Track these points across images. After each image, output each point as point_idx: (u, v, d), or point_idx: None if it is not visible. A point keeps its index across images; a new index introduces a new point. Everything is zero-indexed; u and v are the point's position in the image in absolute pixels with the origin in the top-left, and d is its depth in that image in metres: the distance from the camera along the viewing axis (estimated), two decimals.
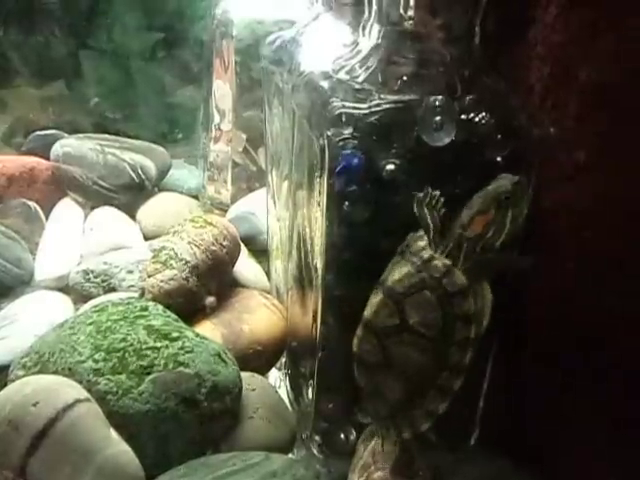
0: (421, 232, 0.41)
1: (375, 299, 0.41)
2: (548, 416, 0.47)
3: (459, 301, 0.39)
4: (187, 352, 0.46)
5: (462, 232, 0.39)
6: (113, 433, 0.41)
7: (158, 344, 0.46)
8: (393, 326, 0.40)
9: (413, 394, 0.41)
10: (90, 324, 0.48)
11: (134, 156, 0.82)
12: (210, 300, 0.54)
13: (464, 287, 0.39)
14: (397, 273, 0.40)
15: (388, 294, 0.40)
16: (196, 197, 0.85)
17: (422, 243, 0.40)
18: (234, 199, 0.79)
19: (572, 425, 0.45)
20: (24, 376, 0.45)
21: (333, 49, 0.47)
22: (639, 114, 0.36)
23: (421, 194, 0.40)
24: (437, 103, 0.41)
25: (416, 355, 0.40)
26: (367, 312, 0.41)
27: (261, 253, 0.69)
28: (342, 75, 0.43)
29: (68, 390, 0.41)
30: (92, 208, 0.78)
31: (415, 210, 0.40)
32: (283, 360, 0.60)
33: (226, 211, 0.78)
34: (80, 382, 0.44)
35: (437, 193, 0.39)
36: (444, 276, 0.39)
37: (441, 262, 0.39)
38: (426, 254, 0.40)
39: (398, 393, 0.41)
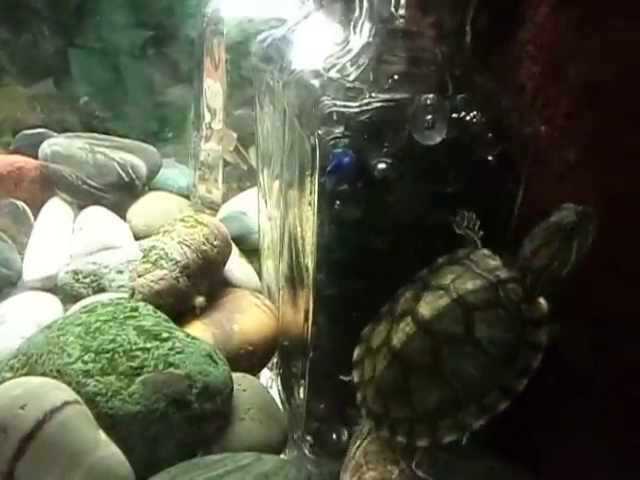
0: (487, 251, 0.41)
1: (439, 301, 0.40)
2: (540, 415, 0.47)
3: (534, 330, 0.39)
4: (177, 353, 0.46)
5: (526, 263, 0.39)
6: (103, 435, 0.41)
7: (148, 345, 0.46)
8: (455, 334, 0.39)
9: (448, 405, 0.40)
10: (79, 325, 0.47)
11: (124, 155, 0.81)
12: (199, 300, 0.54)
13: (543, 317, 0.39)
14: (470, 284, 0.40)
15: (459, 302, 0.39)
16: (187, 196, 0.85)
17: (494, 262, 0.40)
18: (225, 198, 0.79)
19: (564, 424, 0.45)
20: (12, 378, 0.44)
21: (324, 47, 0.47)
22: (629, 113, 0.36)
23: (457, 217, 0.41)
24: (428, 102, 0.41)
25: (470, 368, 0.39)
26: (425, 312, 0.40)
27: (252, 252, 0.69)
28: (333, 73, 0.43)
29: (56, 392, 0.41)
30: (81, 208, 0.77)
31: (458, 231, 0.41)
32: (275, 360, 0.60)
33: (217, 210, 0.78)
34: (69, 384, 0.43)
35: (472, 214, 0.40)
36: (523, 301, 0.39)
37: (520, 287, 0.39)
38: (503, 274, 0.40)
39: (429, 400, 0.40)
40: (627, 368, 0.39)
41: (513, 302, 0.39)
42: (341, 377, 0.46)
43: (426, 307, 0.40)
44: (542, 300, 0.39)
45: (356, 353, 0.45)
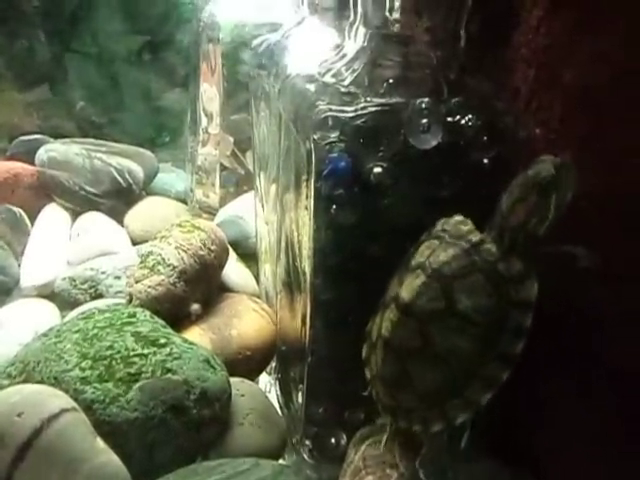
0: (459, 217, 0.40)
1: (415, 281, 0.38)
2: (539, 417, 0.47)
3: (517, 287, 0.37)
4: (175, 358, 0.46)
5: (503, 221, 0.37)
6: (100, 442, 0.40)
7: (146, 351, 0.46)
8: (438, 310, 0.38)
9: (451, 384, 0.39)
10: (76, 332, 0.47)
11: (121, 160, 0.81)
12: (195, 307, 0.54)
13: (522, 272, 0.37)
14: (443, 255, 0.38)
15: (434, 276, 0.38)
16: (184, 201, 0.85)
17: (466, 227, 0.39)
18: (222, 202, 0.79)
19: (563, 426, 0.45)
20: (9, 385, 0.44)
21: (319, 52, 0.47)
22: (622, 116, 0.37)
23: None
24: (423, 106, 0.41)
25: (462, 342, 0.38)
26: (405, 295, 0.39)
27: (250, 257, 0.69)
28: (328, 78, 0.43)
29: (54, 399, 0.41)
30: (78, 213, 0.77)
31: None
32: (273, 365, 0.60)
33: (214, 215, 0.78)
34: (66, 391, 0.43)
35: None
36: (499, 260, 0.37)
37: (494, 246, 0.37)
38: (475, 237, 0.38)
39: (432, 383, 0.39)
40: (625, 370, 0.39)
41: (489, 263, 0.37)
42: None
43: (405, 290, 0.39)
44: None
45: (364, 351, 0.44)
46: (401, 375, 0.40)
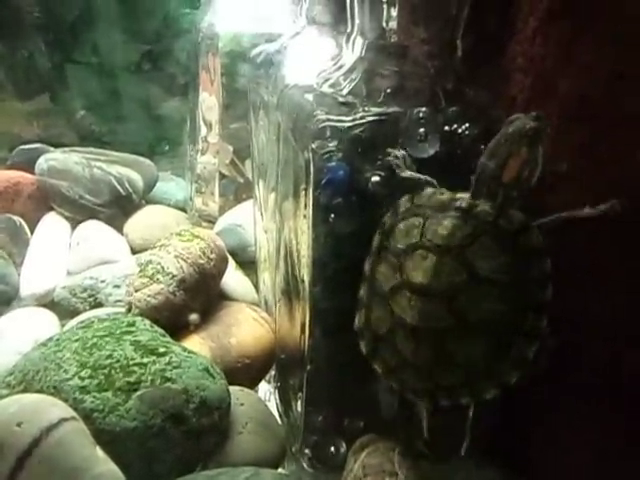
0: (428, 190, 0.39)
1: (425, 262, 0.38)
2: (538, 427, 0.47)
3: (524, 236, 0.37)
4: (174, 367, 0.46)
5: (495, 180, 0.37)
6: (100, 452, 0.40)
7: (145, 360, 0.46)
8: (461, 283, 0.37)
9: (495, 349, 0.38)
10: (76, 341, 0.47)
11: (121, 169, 0.81)
12: (193, 317, 0.54)
13: (524, 222, 0.37)
14: (441, 229, 0.38)
15: (442, 252, 0.37)
16: (184, 209, 0.85)
17: (444, 196, 0.39)
18: (222, 211, 0.79)
19: (562, 436, 0.45)
20: (8, 395, 0.44)
21: (317, 62, 0.48)
22: (618, 125, 0.37)
23: (393, 160, 0.40)
24: (421, 115, 0.41)
25: (493, 306, 0.37)
26: (421, 278, 0.38)
27: (249, 265, 0.69)
28: (326, 88, 0.44)
29: (53, 409, 0.41)
30: (78, 222, 0.78)
31: (403, 175, 0.39)
32: (273, 373, 0.60)
33: (214, 223, 0.78)
34: (66, 400, 0.43)
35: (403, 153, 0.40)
36: (498, 217, 0.37)
37: (487, 205, 0.37)
38: (462, 203, 0.38)
39: (475, 354, 0.39)
40: (624, 379, 0.40)
41: (490, 223, 0.37)
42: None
43: (418, 273, 0.38)
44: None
45: (366, 347, 0.43)
46: (439, 356, 0.39)
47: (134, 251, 0.74)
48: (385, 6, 0.43)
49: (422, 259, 0.38)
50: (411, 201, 0.40)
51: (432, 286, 0.38)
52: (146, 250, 0.67)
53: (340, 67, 0.45)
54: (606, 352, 0.40)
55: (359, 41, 0.44)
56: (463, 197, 0.39)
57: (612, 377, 0.40)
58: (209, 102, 0.78)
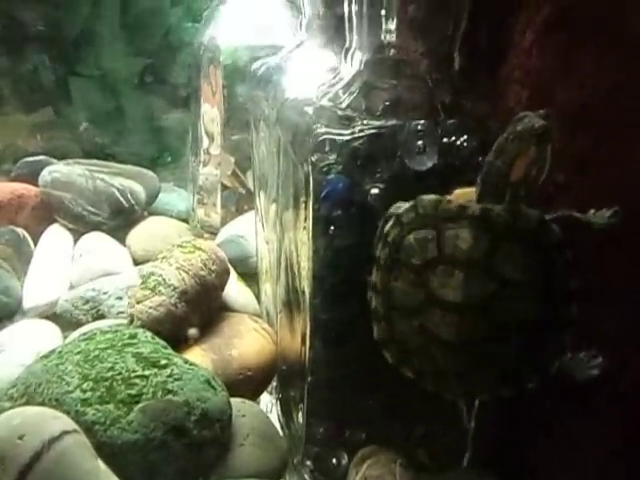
0: (427, 197, 0.39)
1: (454, 279, 0.37)
2: (539, 437, 0.47)
3: (544, 234, 0.37)
4: (176, 380, 0.46)
5: (502, 180, 0.37)
6: (101, 464, 0.41)
7: (147, 372, 0.46)
8: (493, 295, 0.37)
9: (532, 344, 0.38)
10: (78, 353, 0.48)
11: (123, 181, 0.82)
12: (192, 332, 0.54)
13: (541, 218, 0.37)
14: (462, 242, 0.37)
15: (470, 266, 0.37)
16: (186, 220, 0.85)
17: (449, 205, 0.38)
18: (224, 222, 0.80)
19: (563, 446, 0.45)
20: (11, 408, 0.44)
21: (317, 75, 0.48)
22: (616, 135, 0.37)
23: None
24: (419, 127, 0.42)
25: (526, 305, 0.37)
26: (451, 297, 0.38)
27: (251, 276, 0.69)
28: (325, 101, 0.44)
29: (55, 422, 0.41)
30: (81, 234, 0.78)
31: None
32: (274, 384, 0.60)
33: (216, 234, 0.79)
34: (68, 413, 0.43)
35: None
36: (515, 219, 0.37)
37: (500, 209, 0.37)
38: (473, 210, 0.37)
39: (514, 353, 0.39)
40: (627, 388, 0.39)
41: (509, 227, 0.37)
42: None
43: (447, 292, 0.38)
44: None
45: (391, 357, 0.43)
46: (478, 362, 0.39)
47: (136, 262, 0.75)
48: (383, 20, 0.43)
49: (448, 276, 0.38)
50: (415, 211, 0.40)
51: (465, 302, 0.38)
52: (149, 261, 0.67)
53: (339, 81, 0.45)
54: (613, 361, 0.40)
55: (358, 55, 0.44)
56: (472, 204, 0.38)
57: (618, 386, 0.40)
58: (211, 114, 0.78)
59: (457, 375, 0.40)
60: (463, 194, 0.39)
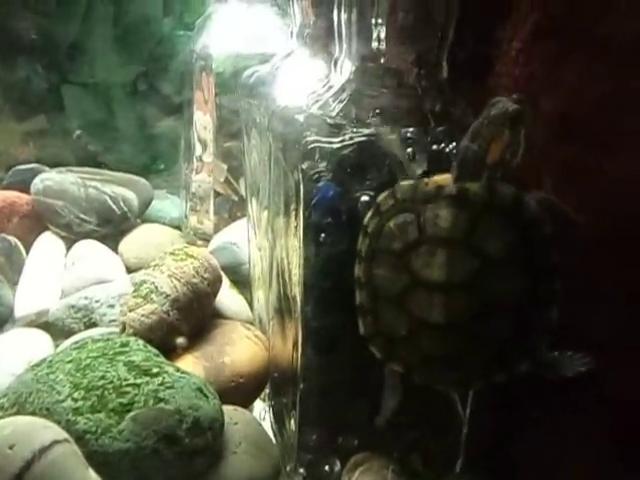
0: (405, 183, 0.39)
1: (437, 257, 0.37)
2: (534, 442, 0.47)
3: (520, 209, 0.37)
4: (167, 388, 0.46)
5: (479, 162, 0.37)
6: (92, 474, 0.40)
7: (138, 380, 0.46)
8: (476, 271, 0.37)
9: (520, 322, 0.38)
10: (69, 362, 0.48)
11: (116, 189, 0.82)
12: (180, 341, 0.54)
13: (517, 194, 0.37)
14: (441, 221, 0.37)
15: (452, 243, 0.37)
16: (179, 227, 0.85)
17: (428, 186, 0.38)
18: (217, 229, 0.80)
19: (559, 450, 0.45)
20: (1, 417, 0.44)
21: (307, 83, 0.49)
22: (603, 144, 0.38)
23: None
24: (409, 135, 0.42)
25: (510, 283, 0.38)
26: (435, 275, 0.38)
27: (244, 283, 0.69)
28: (315, 109, 0.44)
29: (45, 431, 0.40)
30: (73, 242, 0.78)
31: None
32: (268, 391, 0.60)
33: (209, 241, 0.79)
34: (59, 422, 0.43)
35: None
36: (492, 197, 0.37)
37: (477, 186, 0.37)
38: (450, 190, 0.38)
39: (504, 333, 0.39)
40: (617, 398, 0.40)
41: (485, 204, 0.37)
42: None
43: (432, 271, 0.38)
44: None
45: (378, 351, 0.42)
46: (469, 345, 0.39)
47: (129, 270, 0.75)
48: (373, 28, 0.44)
49: (430, 255, 0.38)
50: (393, 197, 0.40)
51: (450, 280, 0.38)
52: (141, 269, 0.67)
53: (329, 89, 0.45)
54: (601, 366, 0.40)
55: (347, 63, 0.45)
56: (449, 184, 0.39)
57: (608, 393, 0.40)
58: (203, 121, 0.78)
59: (447, 362, 0.40)
60: (442, 180, 0.39)
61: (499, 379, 0.40)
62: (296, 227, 0.43)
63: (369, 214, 0.41)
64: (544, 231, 0.38)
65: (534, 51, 0.41)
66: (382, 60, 0.44)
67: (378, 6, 0.43)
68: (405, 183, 0.40)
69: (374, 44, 0.44)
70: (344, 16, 0.44)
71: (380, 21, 0.43)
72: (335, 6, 0.45)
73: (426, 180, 0.39)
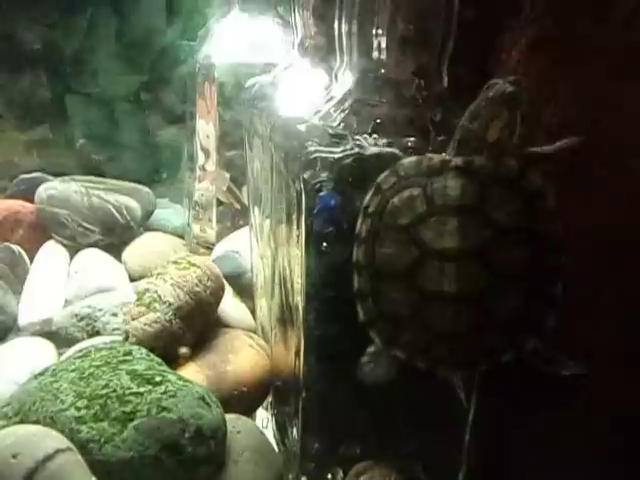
0: (409, 159, 0.39)
1: (447, 227, 0.37)
2: (535, 451, 0.47)
3: (526, 180, 0.38)
4: (170, 396, 0.46)
5: (479, 140, 0.38)
6: None
7: (141, 389, 0.46)
8: (488, 237, 0.37)
9: (527, 296, 0.39)
10: (72, 371, 0.48)
11: (119, 197, 0.83)
12: (183, 351, 0.54)
13: (520, 166, 0.38)
14: (450, 190, 0.38)
15: (461, 213, 0.37)
16: (182, 236, 0.86)
17: (433, 160, 0.39)
18: (219, 237, 0.80)
19: (559, 460, 0.45)
20: (5, 426, 0.44)
21: (309, 93, 0.49)
22: (601, 156, 0.38)
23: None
24: (409, 144, 0.42)
25: (518, 253, 0.38)
26: (448, 244, 0.37)
27: (246, 291, 0.69)
28: (317, 119, 0.45)
29: (48, 440, 0.41)
30: (77, 250, 0.78)
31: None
32: (270, 400, 0.60)
33: (212, 249, 0.79)
34: (62, 431, 0.43)
35: None
36: (497, 168, 0.38)
37: (482, 160, 0.38)
38: (456, 162, 0.38)
39: (512, 306, 0.39)
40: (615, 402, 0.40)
41: (492, 175, 0.38)
42: None
43: (444, 240, 0.38)
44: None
45: (380, 336, 0.42)
46: (480, 318, 0.39)
47: (132, 278, 0.75)
48: (374, 39, 0.44)
49: (441, 224, 0.38)
50: (395, 174, 0.40)
51: (462, 248, 0.38)
52: (144, 277, 0.67)
53: (331, 99, 0.46)
54: (601, 379, 0.40)
55: (348, 73, 0.45)
56: (454, 158, 0.39)
57: (607, 407, 0.40)
58: (206, 130, 0.79)
59: (455, 339, 0.40)
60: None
61: (506, 358, 0.40)
62: (298, 236, 0.44)
63: (369, 195, 0.41)
64: (549, 203, 0.38)
65: (532, 62, 0.41)
66: (382, 71, 0.44)
67: (378, 17, 0.43)
68: (407, 160, 0.40)
69: (374, 55, 0.44)
70: (345, 27, 0.45)
71: (380, 32, 0.44)
72: (336, 18, 0.46)
73: (429, 155, 0.40)
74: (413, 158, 0.40)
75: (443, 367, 0.42)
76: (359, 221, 0.41)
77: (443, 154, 0.40)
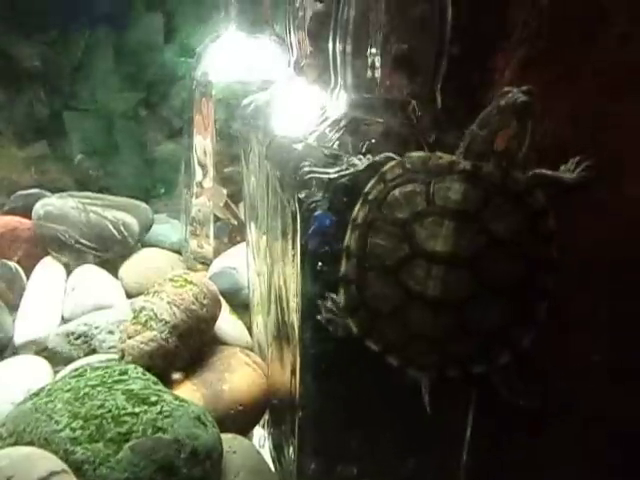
0: (414, 154, 0.39)
1: (442, 230, 0.37)
2: (533, 467, 0.47)
3: (531, 197, 0.37)
4: (166, 417, 0.46)
5: (487, 147, 0.38)
6: None
7: (137, 409, 0.46)
8: (481, 247, 0.37)
9: (510, 311, 0.38)
10: (68, 391, 0.48)
11: (116, 213, 0.83)
12: (176, 377, 0.54)
13: (528, 181, 0.37)
14: (453, 193, 0.37)
15: (460, 216, 0.37)
16: (179, 252, 0.86)
17: (440, 160, 0.38)
18: (216, 253, 0.80)
19: (558, 474, 0.45)
20: (0, 447, 0.44)
21: (304, 113, 0.49)
22: (598, 170, 0.38)
23: None
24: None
25: (510, 267, 0.37)
26: (439, 247, 0.37)
27: (243, 308, 0.69)
28: (312, 139, 0.45)
29: (43, 462, 0.41)
30: (74, 267, 0.78)
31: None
32: (267, 418, 0.60)
33: (209, 265, 0.79)
34: (57, 452, 0.43)
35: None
36: (505, 179, 0.37)
37: (490, 167, 0.37)
38: (467, 166, 0.37)
39: (492, 319, 0.38)
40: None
41: (498, 185, 0.37)
42: None
43: (435, 242, 0.37)
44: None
45: (358, 325, 0.41)
46: (458, 326, 0.38)
47: (129, 295, 0.75)
48: (368, 58, 0.44)
49: (436, 226, 0.37)
50: (401, 167, 0.39)
51: (453, 254, 0.37)
52: (141, 294, 0.67)
53: (326, 118, 0.46)
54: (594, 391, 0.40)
55: (343, 93, 0.46)
56: (462, 160, 0.38)
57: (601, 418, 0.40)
58: (203, 146, 0.79)
59: (428, 342, 0.39)
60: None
61: (477, 370, 0.39)
62: (293, 255, 0.44)
63: (372, 181, 0.40)
64: (549, 224, 0.37)
65: (525, 81, 0.42)
66: (377, 90, 0.45)
67: (373, 37, 0.44)
68: (415, 154, 0.39)
69: (369, 74, 0.44)
70: (339, 47, 0.45)
71: (374, 51, 0.44)
72: (330, 37, 0.46)
73: (439, 154, 0.39)
74: (422, 153, 0.39)
75: (413, 367, 0.41)
76: (357, 206, 0.41)
77: (452, 156, 0.39)
